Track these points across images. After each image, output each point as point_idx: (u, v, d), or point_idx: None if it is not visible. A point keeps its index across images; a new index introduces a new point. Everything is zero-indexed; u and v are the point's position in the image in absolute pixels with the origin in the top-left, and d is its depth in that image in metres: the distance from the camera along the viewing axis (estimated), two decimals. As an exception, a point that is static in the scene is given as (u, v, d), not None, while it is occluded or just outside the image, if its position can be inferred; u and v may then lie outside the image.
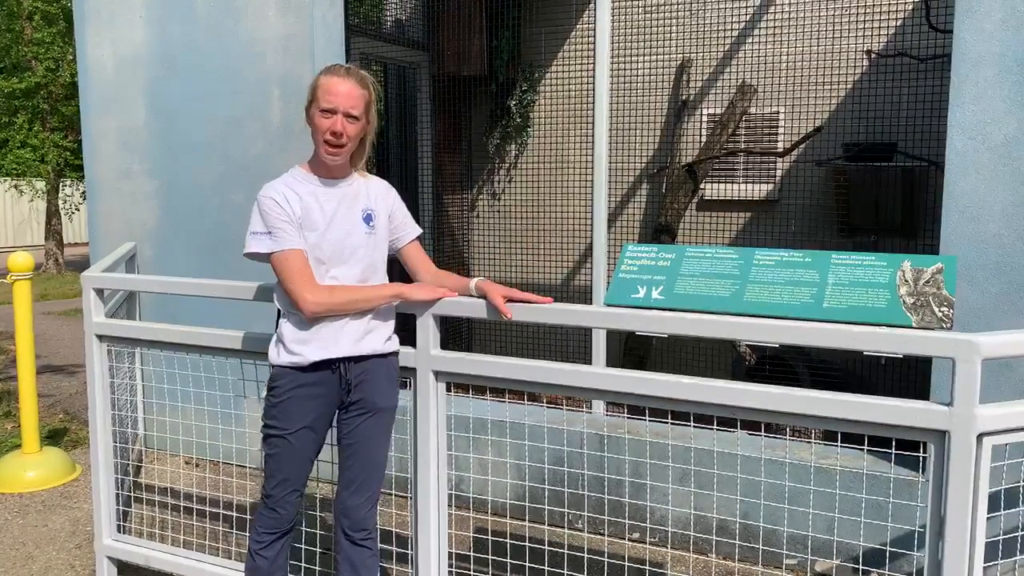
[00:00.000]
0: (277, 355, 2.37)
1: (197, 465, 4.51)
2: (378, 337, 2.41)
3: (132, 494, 4.03)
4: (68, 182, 16.52)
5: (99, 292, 3.19)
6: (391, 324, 2.47)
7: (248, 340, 2.78)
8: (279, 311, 2.43)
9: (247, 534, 3.50)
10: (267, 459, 2.41)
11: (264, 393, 2.42)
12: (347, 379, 2.38)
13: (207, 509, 3.67)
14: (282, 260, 2.27)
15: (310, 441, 2.40)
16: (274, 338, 2.41)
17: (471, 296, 2.42)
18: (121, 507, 3.37)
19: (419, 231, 2.55)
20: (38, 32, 14.23)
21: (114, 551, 3.23)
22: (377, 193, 2.45)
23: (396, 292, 2.39)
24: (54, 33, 14.16)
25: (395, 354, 2.49)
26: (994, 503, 2.32)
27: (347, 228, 2.35)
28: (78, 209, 16.25)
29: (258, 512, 2.45)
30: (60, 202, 15.73)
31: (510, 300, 2.35)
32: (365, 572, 2.47)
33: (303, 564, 3.09)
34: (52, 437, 5.13)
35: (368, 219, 2.39)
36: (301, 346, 2.32)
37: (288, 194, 2.30)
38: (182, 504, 3.86)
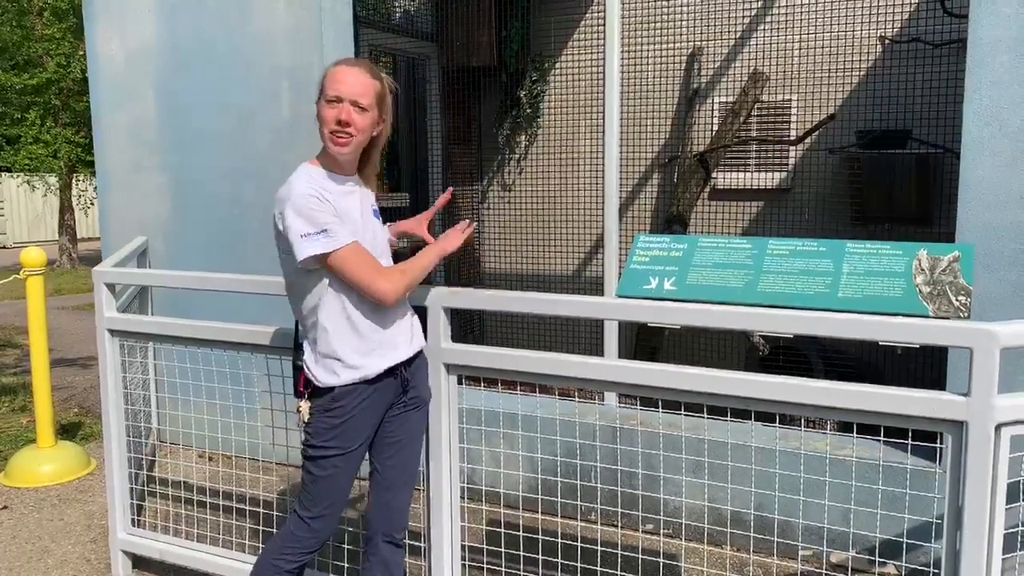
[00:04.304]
0: (335, 375, 2.16)
1: (211, 459, 4.53)
2: (420, 331, 2.40)
3: (146, 488, 4.05)
4: (81, 177, 16.60)
5: (111, 287, 3.20)
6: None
7: (259, 334, 2.77)
8: (296, 326, 2.27)
9: (261, 527, 3.50)
10: (317, 481, 2.22)
11: (305, 416, 2.21)
12: (405, 378, 2.31)
13: (221, 503, 3.68)
14: (346, 256, 2.09)
15: (363, 454, 2.29)
16: (313, 358, 2.20)
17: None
18: (135, 501, 3.39)
19: None
20: (48, 28, 14.27)
21: (129, 545, 3.25)
22: (372, 191, 2.38)
23: (439, 251, 2.30)
24: (64, 28, 14.19)
25: None
26: (1012, 494, 2.29)
27: (373, 226, 2.28)
28: (93, 203, 16.33)
29: (291, 533, 2.26)
30: (74, 197, 15.81)
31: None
32: (396, 570, 2.38)
33: (319, 559, 3.08)
34: (67, 431, 5.16)
35: (376, 215, 2.35)
36: (365, 358, 2.18)
37: (321, 190, 2.11)
38: (196, 498, 3.88)
